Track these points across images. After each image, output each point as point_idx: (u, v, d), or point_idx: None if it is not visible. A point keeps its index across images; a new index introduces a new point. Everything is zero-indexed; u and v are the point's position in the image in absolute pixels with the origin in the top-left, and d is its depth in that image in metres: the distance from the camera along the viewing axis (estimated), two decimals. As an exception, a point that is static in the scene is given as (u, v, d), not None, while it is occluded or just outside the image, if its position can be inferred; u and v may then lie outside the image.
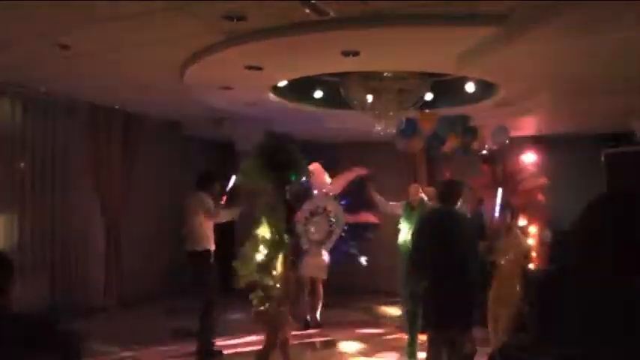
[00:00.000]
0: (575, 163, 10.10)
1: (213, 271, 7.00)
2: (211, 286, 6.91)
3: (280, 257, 5.44)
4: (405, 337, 7.35)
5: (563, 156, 10.26)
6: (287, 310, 5.54)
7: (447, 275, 5.24)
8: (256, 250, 5.43)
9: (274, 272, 5.42)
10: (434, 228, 5.52)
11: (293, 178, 5.70)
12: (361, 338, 8.09)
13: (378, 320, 9.36)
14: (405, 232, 7.89)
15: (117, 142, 9.46)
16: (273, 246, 5.42)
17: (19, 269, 8.08)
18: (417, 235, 5.83)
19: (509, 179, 9.11)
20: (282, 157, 5.62)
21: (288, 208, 5.62)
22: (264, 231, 5.45)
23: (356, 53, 5.73)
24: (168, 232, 9.48)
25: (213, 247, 7.10)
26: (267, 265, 5.40)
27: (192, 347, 7.01)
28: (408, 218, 7.85)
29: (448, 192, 5.72)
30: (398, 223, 8.03)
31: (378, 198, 8.45)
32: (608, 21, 4.55)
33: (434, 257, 5.35)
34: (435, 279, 5.36)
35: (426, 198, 7.93)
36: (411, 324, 7.03)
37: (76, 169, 9.04)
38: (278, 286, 5.40)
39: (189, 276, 7.26)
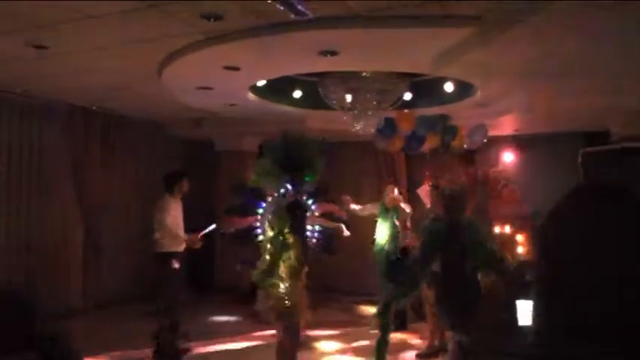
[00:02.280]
0: (553, 162, 10.19)
1: (174, 273, 6.95)
2: (171, 288, 6.88)
3: (289, 256, 5.38)
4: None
5: (541, 155, 10.37)
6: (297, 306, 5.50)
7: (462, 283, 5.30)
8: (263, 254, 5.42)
9: (280, 272, 5.39)
10: (446, 239, 5.44)
11: (307, 178, 5.59)
12: (340, 337, 8.11)
13: (359, 320, 9.37)
14: (382, 233, 7.94)
15: (96, 143, 9.40)
16: (277, 246, 5.36)
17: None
18: (428, 247, 5.56)
19: (490, 186, 9.20)
20: (298, 156, 5.53)
21: (295, 207, 5.53)
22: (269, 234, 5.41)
23: (334, 53, 5.74)
24: (149, 233, 9.40)
25: (178, 249, 7.01)
26: (271, 267, 5.38)
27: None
28: (384, 219, 7.90)
29: (456, 202, 5.59)
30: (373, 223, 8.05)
31: (353, 208, 8.10)
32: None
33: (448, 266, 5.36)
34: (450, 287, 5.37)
35: (400, 198, 7.97)
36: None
37: (54, 171, 8.97)
38: (285, 285, 5.38)
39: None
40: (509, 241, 7.32)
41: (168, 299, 6.86)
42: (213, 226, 7.40)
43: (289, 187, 5.62)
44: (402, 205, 7.96)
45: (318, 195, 5.95)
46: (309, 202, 5.71)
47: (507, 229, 7.32)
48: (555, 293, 1.56)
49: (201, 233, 7.29)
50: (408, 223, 7.95)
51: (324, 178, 5.80)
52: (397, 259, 8.14)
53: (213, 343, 7.69)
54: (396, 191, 8.05)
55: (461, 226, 5.34)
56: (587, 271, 1.53)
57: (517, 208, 7.89)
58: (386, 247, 7.99)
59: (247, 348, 7.72)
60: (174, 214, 7.01)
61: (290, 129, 5.67)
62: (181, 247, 7.03)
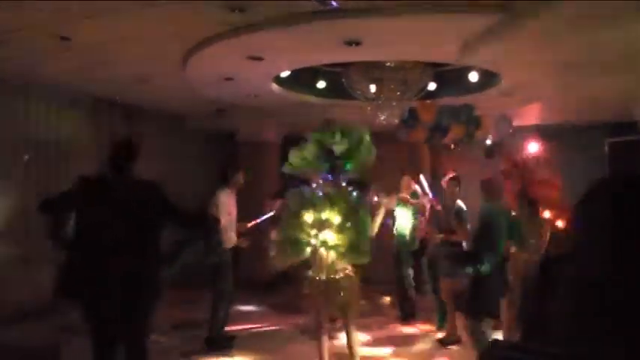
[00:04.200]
0: (579, 152, 10.09)
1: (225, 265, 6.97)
2: (224, 279, 6.91)
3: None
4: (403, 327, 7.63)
5: (567, 145, 10.25)
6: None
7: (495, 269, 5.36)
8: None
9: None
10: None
11: (347, 167, 5.58)
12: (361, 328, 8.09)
13: (378, 310, 9.32)
14: (403, 221, 7.97)
15: (119, 134, 9.42)
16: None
17: (24, 261, 8.14)
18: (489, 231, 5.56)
19: (524, 169, 9.08)
20: (338, 145, 5.46)
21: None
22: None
23: (358, 43, 5.71)
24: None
25: (228, 245, 6.98)
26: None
27: (191, 340, 7.10)
28: (405, 209, 7.95)
29: (493, 189, 5.70)
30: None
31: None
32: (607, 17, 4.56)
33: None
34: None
35: (419, 190, 7.96)
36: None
37: (78, 161, 9.03)
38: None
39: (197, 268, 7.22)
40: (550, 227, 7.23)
41: (222, 290, 6.89)
42: (268, 215, 7.41)
43: (329, 175, 5.61)
44: (412, 200, 8.01)
45: (361, 186, 5.92)
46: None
47: (547, 214, 7.20)
48: (585, 292, 1.51)
49: (254, 222, 7.32)
50: (424, 216, 7.97)
51: (366, 169, 5.74)
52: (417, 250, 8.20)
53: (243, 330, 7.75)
54: (414, 185, 8.03)
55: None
56: (616, 268, 1.48)
57: (555, 193, 7.79)
58: (407, 237, 8.03)
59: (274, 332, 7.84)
60: (228, 210, 6.96)
61: (332, 119, 5.64)
62: (231, 244, 7.02)
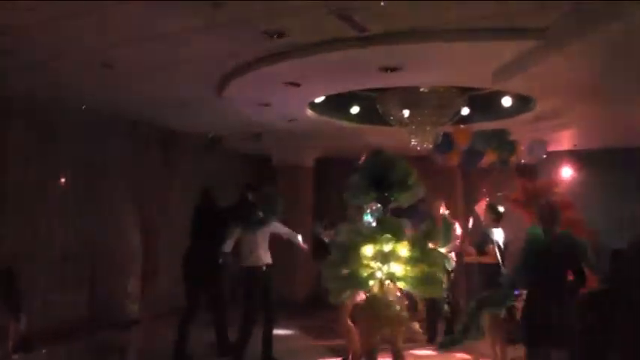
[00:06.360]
0: (614, 178, 9.99)
1: (256, 286, 7.02)
2: (253, 300, 6.95)
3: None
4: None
5: (603, 170, 10.17)
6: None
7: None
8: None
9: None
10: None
11: (393, 198, 5.62)
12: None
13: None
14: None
15: (156, 156, 9.60)
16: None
17: (61, 280, 8.31)
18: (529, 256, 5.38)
19: (540, 196, 9.03)
20: (385, 176, 5.46)
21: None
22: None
23: (394, 69, 5.78)
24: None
25: (260, 264, 6.98)
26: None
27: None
28: None
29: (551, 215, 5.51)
30: None
31: None
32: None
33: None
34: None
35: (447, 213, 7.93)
36: None
37: (115, 181, 9.23)
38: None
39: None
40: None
41: (251, 311, 6.92)
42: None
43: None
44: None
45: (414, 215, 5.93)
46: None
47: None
48: None
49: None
50: (457, 242, 7.91)
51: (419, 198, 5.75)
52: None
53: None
54: (442, 209, 8.02)
55: (558, 238, 5.22)
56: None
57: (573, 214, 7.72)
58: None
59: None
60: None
61: (379, 148, 5.67)
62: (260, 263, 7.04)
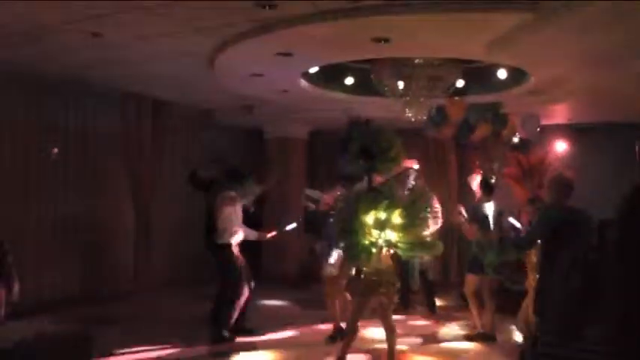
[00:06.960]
0: (609, 153, 9.98)
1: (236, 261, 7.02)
2: (232, 277, 6.95)
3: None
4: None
5: (596, 145, 10.16)
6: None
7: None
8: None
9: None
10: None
11: (380, 168, 5.58)
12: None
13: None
14: None
15: (147, 128, 9.50)
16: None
17: (53, 254, 8.34)
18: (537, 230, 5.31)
19: (534, 171, 9.04)
20: (370, 145, 5.53)
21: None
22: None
23: (387, 40, 5.72)
24: (196, 219, 9.48)
25: (234, 241, 7.02)
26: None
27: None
28: None
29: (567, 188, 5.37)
30: None
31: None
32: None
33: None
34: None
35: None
36: None
37: (107, 155, 9.20)
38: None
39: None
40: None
41: (234, 285, 6.94)
42: (293, 225, 7.54)
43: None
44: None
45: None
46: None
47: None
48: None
49: (275, 232, 7.47)
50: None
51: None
52: None
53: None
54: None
55: (573, 213, 5.10)
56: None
57: None
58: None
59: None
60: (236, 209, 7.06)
61: (362, 117, 5.64)
62: (238, 240, 7.07)
